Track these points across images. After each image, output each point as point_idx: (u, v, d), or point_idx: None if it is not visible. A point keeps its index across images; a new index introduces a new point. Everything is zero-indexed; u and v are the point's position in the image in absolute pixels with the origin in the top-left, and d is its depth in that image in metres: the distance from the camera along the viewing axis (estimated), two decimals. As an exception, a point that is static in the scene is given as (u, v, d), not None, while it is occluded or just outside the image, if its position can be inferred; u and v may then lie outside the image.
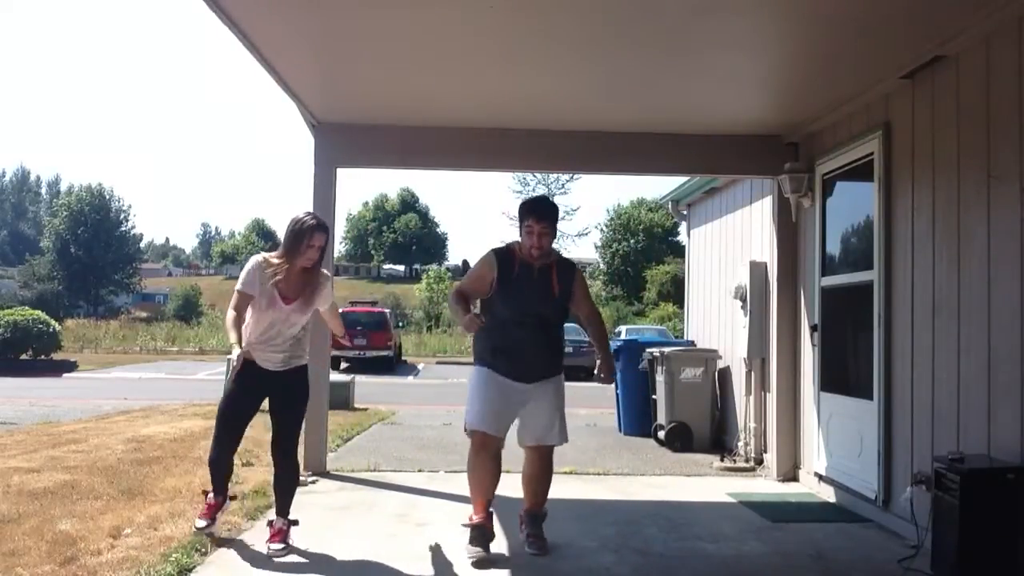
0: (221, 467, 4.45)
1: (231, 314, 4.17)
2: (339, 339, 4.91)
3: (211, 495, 4.45)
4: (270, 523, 4.40)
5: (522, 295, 4.25)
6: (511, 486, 4.62)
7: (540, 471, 4.48)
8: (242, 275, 4.24)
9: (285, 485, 4.47)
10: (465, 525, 4.34)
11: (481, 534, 4.26)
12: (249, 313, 4.26)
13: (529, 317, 4.26)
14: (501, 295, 4.28)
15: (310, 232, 4.17)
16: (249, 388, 4.34)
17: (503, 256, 4.32)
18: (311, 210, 6.48)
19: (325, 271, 4.46)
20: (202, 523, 4.33)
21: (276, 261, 4.23)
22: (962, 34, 4.29)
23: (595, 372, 4.48)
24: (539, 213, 4.26)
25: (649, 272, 42.50)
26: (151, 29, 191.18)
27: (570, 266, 4.46)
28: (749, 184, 7.72)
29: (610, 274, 48.06)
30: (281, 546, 4.25)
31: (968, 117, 4.35)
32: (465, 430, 4.46)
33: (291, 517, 4.39)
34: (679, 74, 5.26)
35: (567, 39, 4.67)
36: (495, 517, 4.45)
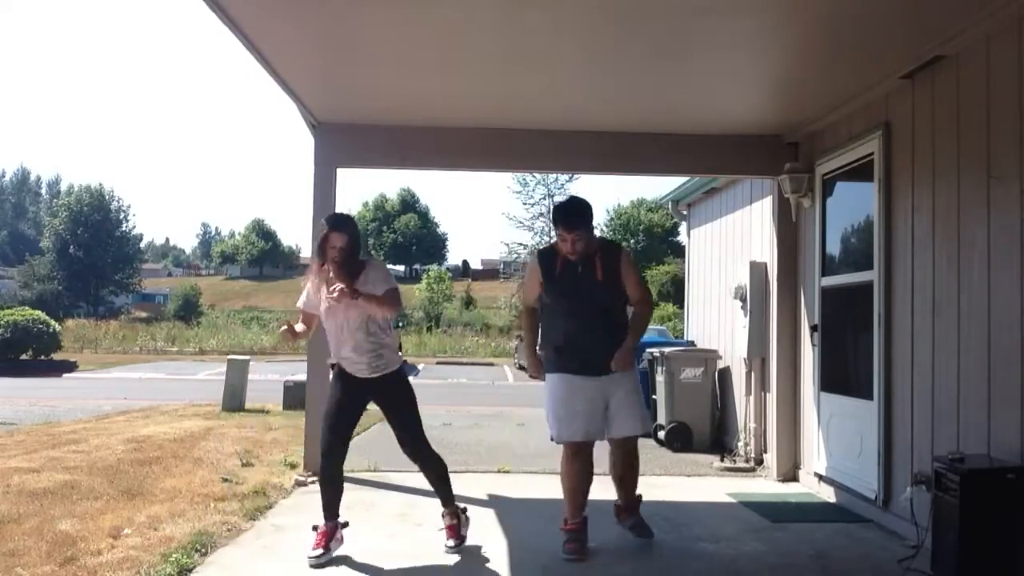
0: (331, 484, 4.37)
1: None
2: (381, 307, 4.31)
3: (321, 524, 4.28)
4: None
5: (568, 288, 4.30)
6: (514, 488, 4.62)
7: (625, 465, 4.57)
8: (302, 296, 4.39)
9: (431, 479, 4.51)
10: (563, 529, 4.39)
11: (577, 537, 4.35)
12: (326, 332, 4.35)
13: (580, 308, 4.29)
14: (549, 293, 4.35)
15: (325, 236, 4.18)
16: (350, 392, 4.31)
17: (545, 256, 4.43)
18: (312, 212, 6.55)
19: (373, 261, 4.49)
20: (317, 552, 4.15)
21: (315, 271, 4.27)
22: (962, 34, 4.29)
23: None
24: (568, 224, 4.27)
25: (649, 272, 42.46)
26: (151, 29, 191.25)
27: (614, 248, 4.51)
28: (749, 184, 7.72)
29: (610, 274, 48.04)
30: (453, 543, 4.40)
31: (968, 117, 4.35)
32: (552, 440, 4.44)
33: (341, 519, 4.36)
34: (679, 74, 5.26)
35: (567, 39, 4.67)
36: (497, 516, 4.47)
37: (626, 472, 4.61)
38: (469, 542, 4.52)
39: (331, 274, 4.21)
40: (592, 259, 4.33)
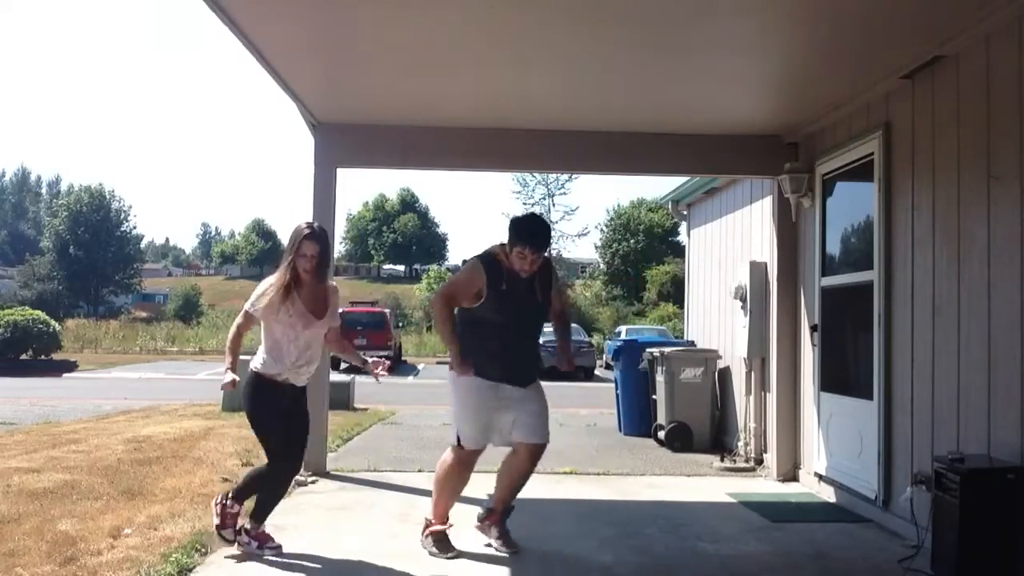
0: (283, 486, 4.40)
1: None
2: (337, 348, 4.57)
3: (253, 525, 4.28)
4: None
5: (513, 305, 4.26)
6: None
7: (530, 469, 4.42)
8: (256, 296, 4.21)
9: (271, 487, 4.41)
10: (429, 535, 4.38)
11: (446, 539, 4.38)
12: (264, 338, 4.20)
13: (517, 323, 4.29)
14: (492, 305, 4.25)
15: (300, 240, 4.11)
16: (284, 409, 4.22)
17: (490, 266, 4.29)
18: (312, 212, 6.55)
19: (334, 284, 4.39)
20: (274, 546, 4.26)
21: (277, 279, 4.16)
22: (962, 34, 4.29)
23: (560, 360, 4.64)
24: (535, 244, 4.23)
25: (649, 272, 42.49)
26: (151, 29, 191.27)
27: (546, 264, 4.41)
28: (749, 184, 7.72)
29: (610, 274, 48.01)
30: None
31: (968, 117, 4.35)
32: (457, 444, 4.35)
33: (272, 521, 4.39)
34: (679, 74, 5.26)
35: (567, 40, 4.67)
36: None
37: (526, 472, 4.40)
38: (469, 542, 4.51)
39: (296, 283, 4.12)
40: (532, 277, 4.29)
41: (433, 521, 4.40)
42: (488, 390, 4.26)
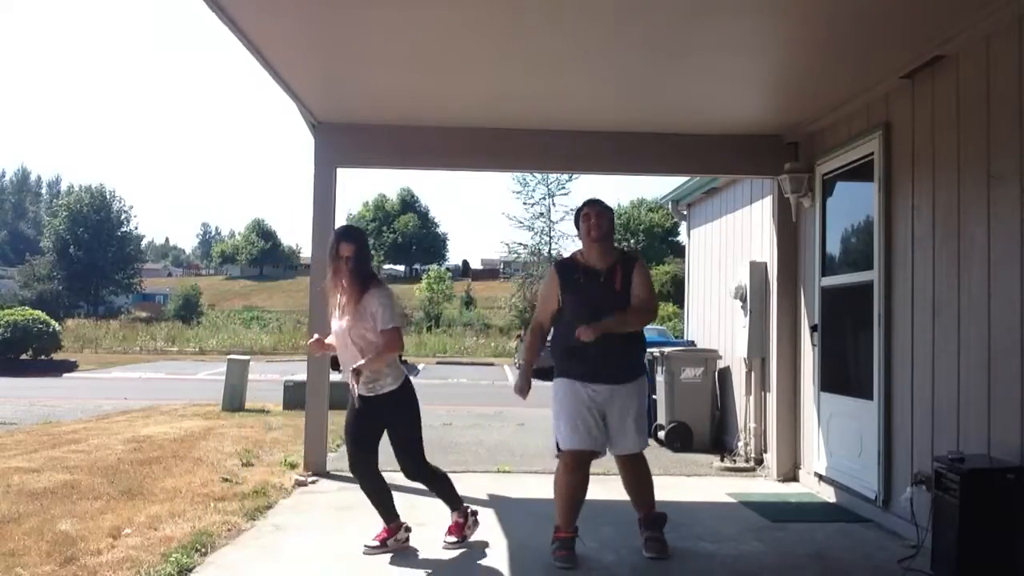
0: (370, 491, 4.43)
1: None
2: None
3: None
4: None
5: (587, 297, 4.26)
6: (514, 488, 4.61)
7: (634, 478, 4.47)
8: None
9: (436, 492, 4.57)
10: (555, 537, 4.32)
11: (570, 544, 4.29)
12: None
13: (597, 313, 4.19)
14: (567, 301, 4.31)
15: (336, 242, 4.20)
16: (359, 411, 4.26)
17: (564, 266, 4.45)
18: (312, 212, 6.55)
19: (378, 288, 4.24)
20: (374, 543, 4.35)
21: (329, 284, 4.26)
22: (962, 34, 4.29)
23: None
24: (593, 204, 4.41)
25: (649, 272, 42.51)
26: (151, 29, 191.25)
27: (630, 258, 4.50)
28: (749, 184, 7.72)
29: (610, 274, 48.05)
30: (454, 539, 4.50)
31: (968, 117, 4.35)
32: (558, 450, 4.33)
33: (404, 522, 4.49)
34: (679, 74, 5.26)
35: (567, 40, 4.67)
36: (497, 516, 4.45)
37: (634, 486, 4.51)
38: (469, 541, 4.52)
39: (339, 287, 4.21)
40: (612, 270, 4.32)
41: (558, 527, 4.35)
42: (571, 390, 4.25)
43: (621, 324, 4.24)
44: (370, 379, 4.20)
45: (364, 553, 4.29)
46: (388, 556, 4.31)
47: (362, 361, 4.11)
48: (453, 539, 4.46)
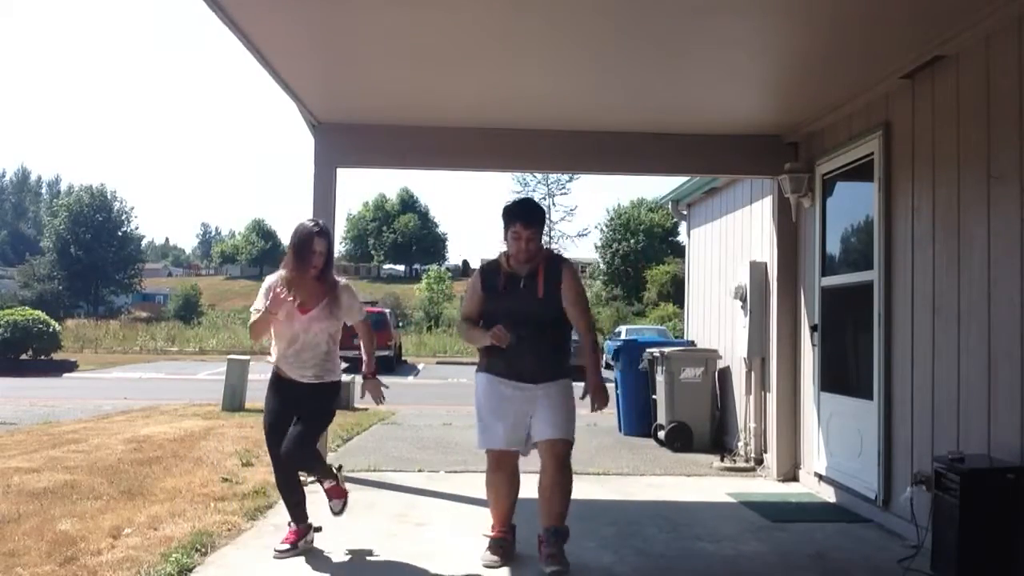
0: (287, 491, 4.42)
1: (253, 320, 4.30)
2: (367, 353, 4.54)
3: (291, 524, 4.41)
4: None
5: (509, 302, 4.16)
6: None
7: (553, 479, 4.08)
8: (258, 298, 4.31)
9: (312, 476, 4.60)
10: (486, 535, 4.30)
11: (500, 544, 4.24)
12: (273, 332, 4.32)
13: (518, 319, 4.10)
14: (490, 304, 4.23)
15: (311, 238, 4.19)
16: (287, 400, 4.32)
17: (488, 270, 4.31)
18: (312, 212, 6.55)
19: (344, 280, 4.42)
20: (283, 547, 4.28)
21: (285, 274, 4.26)
22: (962, 34, 4.29)
23: (582, 396, 4.14)
24: (526, 219, 4.14)
25: (649, 272, 42.51)
26: (151, 29, 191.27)
27: (557, 261, 4.29)
28: (749, 184, 7.72)
29: (610, 274, 48.03)
30: (341, 504, 4.52)
31: (968, 117, 4.35)
32: (476, 447, 4.34)
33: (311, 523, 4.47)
34: (679, 74, 5.26)
35: (567, 39, 4.67)
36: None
37: (550, 483, 4.08)
38: (470, 542, 4.52)
39: (303, 279, 4.20)
40: (535, 274, 4.16)
41: (493, 528, 4.32)
42: (490, 386, 4.19)
43: (599, 371, 4.21)
44: (324, 368, 4.30)
45: (274, 557, 4.20)
46: (386, 556, 4.31)
47: (371, 369, 4.43)
48: (340, 504, 4.46)
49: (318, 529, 4.45)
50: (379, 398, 4.45)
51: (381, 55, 5.04)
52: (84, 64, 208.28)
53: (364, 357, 4.47)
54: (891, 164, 5.16)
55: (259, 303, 4.27)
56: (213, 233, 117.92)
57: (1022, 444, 3.78)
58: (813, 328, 6.22)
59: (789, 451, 6.60)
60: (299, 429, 4.26)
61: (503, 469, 4.23)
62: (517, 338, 4.05)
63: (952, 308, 4.43)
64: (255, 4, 4.34)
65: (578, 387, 4.15)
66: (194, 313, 51.93)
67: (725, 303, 8.20)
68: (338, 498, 4.48)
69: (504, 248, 4.26)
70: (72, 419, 10.43)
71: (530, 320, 4.11)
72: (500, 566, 4.12)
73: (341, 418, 9.81)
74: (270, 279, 4.34)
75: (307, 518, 4.43)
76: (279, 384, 4.36)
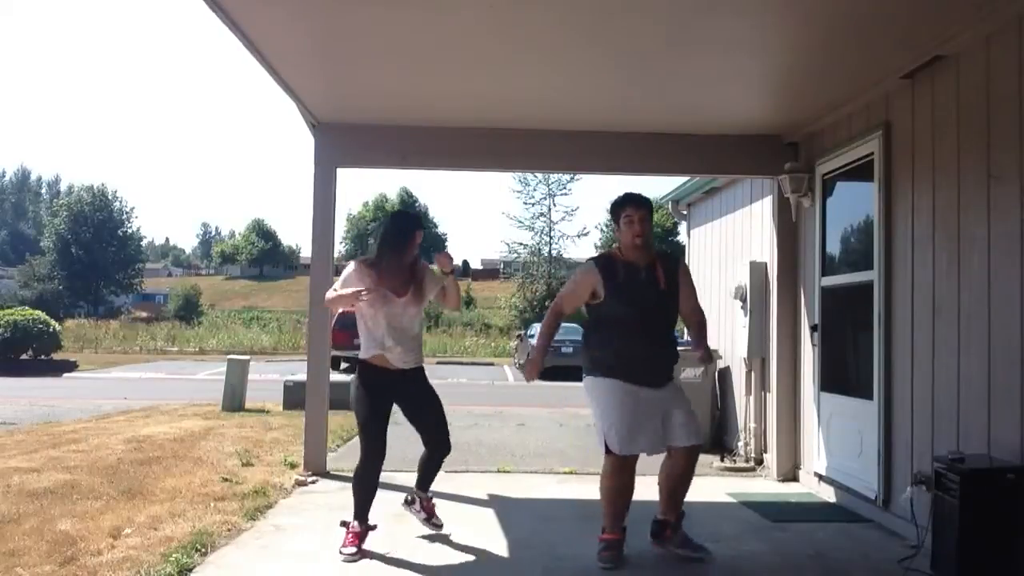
0: (370, 487, 4.43)
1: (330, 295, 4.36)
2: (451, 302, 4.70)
3: (353, 523, 4.37)
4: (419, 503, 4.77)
5: (631, 296, 4.21)
6: (514, 488, 4.61)
7: (686, 476, 4.40)
8: (341, 278, 4.39)
9: (436, 464, 4.69)
10: (602, 539, 4.30)
11: (618, 546, 4.29)
12: (360, 323, 4.41)
13: (643, 317, 4.19)
14: (613, 300, 4.23)
15: (415, 228, 4.48)
16: (385, 391, 4.40)
17: (604, 262, 4.36)
18: (312, 212, 6.55)
19: (425, 262, 4.66)
20: (350, 550, 4.25)
21: (376, 260, 4.42)
22: (962, 34, 4.29)
23: (699, 359, 4.51)
24: (636, 202, 4.34)
25: (649, 272, 42.42)
26: (152, 29, 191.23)
27: (672, 258, 4.49)
28: (749, 184, 7.71)
29: (610, 274, 48.06)
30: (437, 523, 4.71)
31: (968, 117, 4.35)
32: (608, 451, 4.26)
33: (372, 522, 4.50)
34: (679, 74, 5.26)
35: (567, 39, 4.67)
36: (497, 516, 4.44)
37: (681, 485, 4.41)
38: (469, 542, 4.52)
39: (398, 266, 4.37)
40: (652, 267, 4.29)
41: (604, 529, 4.33)
42: (625, 394, 4.18)
43: (707, 349, 4.47)
44: (418, 352, 4.51)
45: (344, 561, 4.18)
46: (387, 557, 4.31)
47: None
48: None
49: (374, 527, 4.47)
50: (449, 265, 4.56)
51: (381, 55, 5.04)
52: (84, 64, 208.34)
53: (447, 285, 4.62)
54: (891, 164, 5.16)
55: (338, 286, 4.38)
56: (213, 233, 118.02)
57: (1022, 444, 3.78)
58: (813, 328, 6.22)
59: (789, 451, 6.60)
60: (435, 419, 4.47)
61: (628, 471, 4.28)
62: (643, 337, 4.20)
63: (952, 308, 4.43)
64: (255, 4, 4.33)
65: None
66: (194, 313, 51.90)
67: (725, 303, 8.19)
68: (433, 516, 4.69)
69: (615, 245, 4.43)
70: (72, 419, 10.43)
71: (654, 312, 4.25)
72: (613, 567, 4.18)
73: (341, 418, 9.81)
74: (351, 267, 4.43)
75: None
76: (373, 376, 4.39)
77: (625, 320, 4.21)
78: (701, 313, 4.61)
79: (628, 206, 4.32)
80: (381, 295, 4.32)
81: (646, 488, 4.53)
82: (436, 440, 4.53)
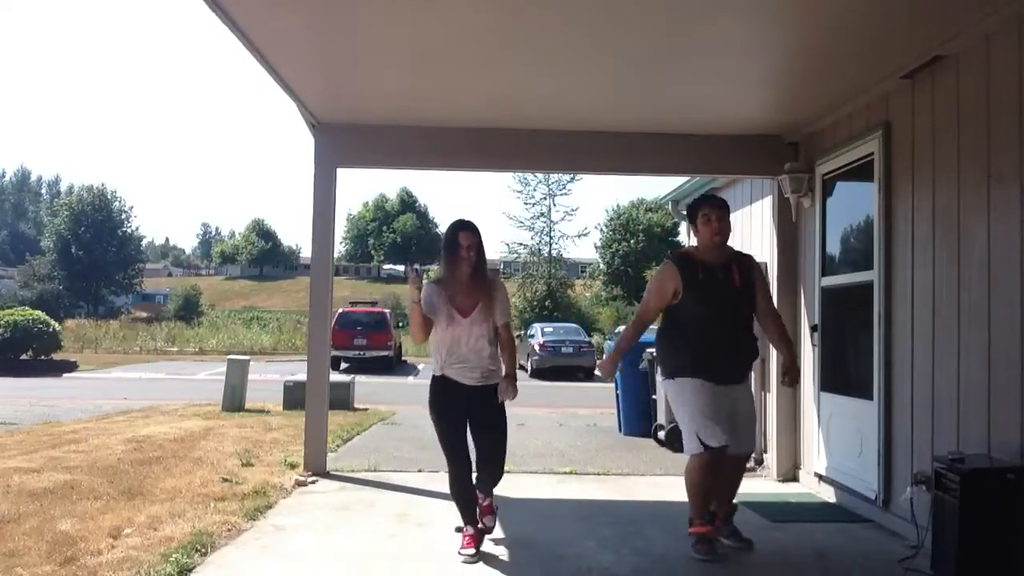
0: (463, 494, 4.40)
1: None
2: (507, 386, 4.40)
3: (467, 528, 4.39)
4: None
5: (709, 295, 4.27)
6: (514, 488, 4.60)
7: (737, 476, 4.55)
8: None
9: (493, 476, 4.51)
10: (694, 532, 4.34)
11: (712, 540, 4.35)
12: (434, 341, 4.33)
13: (721, 316, 4.27)
14: (691, 299, 4.29)
15: (456, 233, 4.27)
16: (456, 404, 4.32)
17: (683, 261, 4.42)
18: (312, 212, 6.55)
19: (497, 273, 4.44)
20: (469, 551, 4.26)
21: (441, 278, 4.31)
22: (962, 34, 4.29)
23: (782, 376, 4.59)
24: (713, 203, 4.43)
25: (649, 272, 42.47)
26: (151, 29, 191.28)
27: (748, 259, 4.53)
28: (749, 184, 7.72)
29: (610, 274, 48.01)
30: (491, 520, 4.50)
31: (968, 117, 4.35)
32: (701, 449, 4.23)
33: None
34: (679, 74, 5.26)
35: (567, 39, 4.67)
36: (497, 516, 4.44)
37: (734, 485, 4.56)
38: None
39: (458, 281, 4.22)
40: (728, 267, 4.36)
41: (694, 521, 4.37)
42: (707, 391, 4.26)
43: (792, 348, 4.64)
44: (489, 369, 4.31)
45: (463, 562, 4.19)
46: (385, 556, 4.31)
47: (511, 371, 4.35)
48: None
49: (489, 530, 4.48)
50: (510, 394, 4.34)
51: (381, 55, 5.04)
52: (84, 64, 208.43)
53: (505, 363, 4.40)
54: (891, 164, 5.16)
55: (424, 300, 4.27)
56: (213, 233, 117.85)
57: (1022, 444, 3.78)
58: (813, 328, 6.22)
59: (789, 451, 6.60)
60: (489, 445, 4.36)
61: (715, 466, 4.28)
62: (720, 335, 4.26)
63: (952, 308, 4.43)
64: (255, 4, 4.33)
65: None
66: (194, 313, 51.87)
67: (725, 303, 8.19)
68: (491, 514, 4.52)
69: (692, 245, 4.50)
70: (72, 419, 10.43)
71: (731, 311, 4.31)
72: (714, 558, 4.27)
73: (341, 418, 9.81)
74: (425, 288, 4.28)
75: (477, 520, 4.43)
76: (446, 389, 4.31)
77: (705, 319, 4.27)
78: (779, 320, 4.64)
79: (705, 206, 4.40)
80: (446, 313, 4.21)
81: (656, 489, 4.55)
82: (482, 464, 4.38)
